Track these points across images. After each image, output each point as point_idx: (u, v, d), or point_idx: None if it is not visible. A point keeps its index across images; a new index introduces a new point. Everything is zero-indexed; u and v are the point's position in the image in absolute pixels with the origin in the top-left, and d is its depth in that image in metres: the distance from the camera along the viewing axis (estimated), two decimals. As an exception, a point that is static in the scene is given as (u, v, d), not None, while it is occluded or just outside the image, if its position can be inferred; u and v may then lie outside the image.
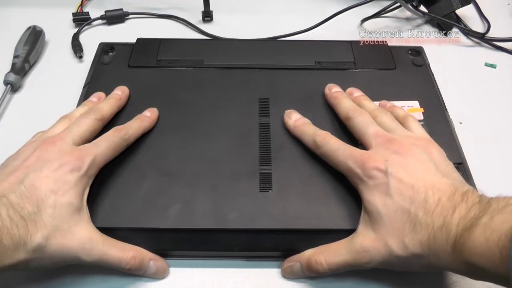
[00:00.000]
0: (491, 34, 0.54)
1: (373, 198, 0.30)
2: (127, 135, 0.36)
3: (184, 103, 0.41)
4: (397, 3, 0.55)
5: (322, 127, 0.38)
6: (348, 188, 0.34)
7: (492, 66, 0.51)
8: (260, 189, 0.35)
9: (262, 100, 0.41)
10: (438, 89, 0.44)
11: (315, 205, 0.34)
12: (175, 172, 0.35)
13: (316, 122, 0.39)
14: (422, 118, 0.40)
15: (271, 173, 0.36)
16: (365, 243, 0.29)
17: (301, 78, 0.44)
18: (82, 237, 0.29)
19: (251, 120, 0.40)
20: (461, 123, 0.44)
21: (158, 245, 0.33)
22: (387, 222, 0.29)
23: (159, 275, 0.33)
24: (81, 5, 0.58)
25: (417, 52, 0.48)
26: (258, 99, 0.41)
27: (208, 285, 0.33)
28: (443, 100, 0.42)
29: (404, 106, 0.41)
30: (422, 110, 0.41)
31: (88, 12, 0.56)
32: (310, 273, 0.31)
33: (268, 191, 0.34)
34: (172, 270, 0.33)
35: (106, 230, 0.32)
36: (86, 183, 0.32)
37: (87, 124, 0.35)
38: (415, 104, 0.41)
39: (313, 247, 0.32)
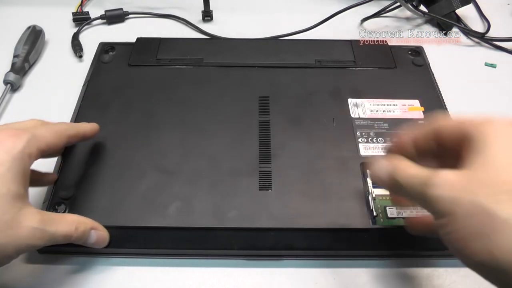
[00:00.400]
0: (491, 34, 0.54)
1: None
2: (70, 125, 0.34)
3: (183, 100, 0.41)
4: (397, 2, 0.55)
5: (323, 125, 0.38)
6: (348, 186, 0.34)
7: (492, 66, 0.51)
8: (259, 188, 0.34)
9: (262, 98, 0.41)
10: (438, 88, 0.44)
11: (314, 203, 0.34)
12: (175, 170, 0.35)
13: (316, 120, 0.39)
14: (422, 117, 0.40)
15: (270, 171, 0.36)
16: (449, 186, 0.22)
17: (301, 76, 0.44)
18: (30, 223, 0.27)
19: (251, 118, 0.40)
20: (461, 122, 0.44)
21: (158, 243, 0.33)
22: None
23: (99, 245, 0.32)
24: (81, 4, 0.58)
25: (417, 52, 0.48)
26: (258, 97, 0.41)
27: (208, 284, 0.33)
28: (443, 100, 0.42)
29: (405, 105, 0.41)
30: (422, 109, 0.41)
31: (88, 12, 0.56)
32: (388, 179, 0.26)
33: (267, 190, 0.34)
34: (172, 269, 0.33)
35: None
36: (25, 164, 0.28)
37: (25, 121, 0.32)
38: (416, 103, 0.41)
39: (312, 245, 0.32)
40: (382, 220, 0.33)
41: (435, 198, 0.22)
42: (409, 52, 0.48)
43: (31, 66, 0.50)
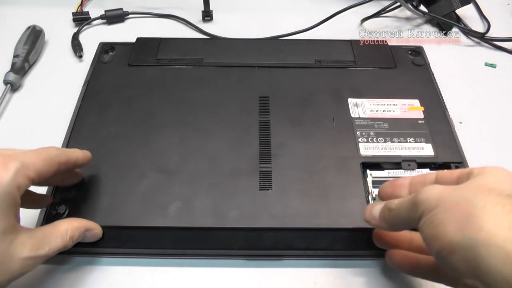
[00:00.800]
0: (491, 34, 0.54)
1: None
2: (61, 151, 0.31)
3: (183, 100, 0.41)
4: (397, 2, 0.55)
5: (323, 125, 0.38)
6: (347, 186, 0.34)
7: (492, 66, 0.51)
8: (260, 188, 0.34)
9: (262, 98, 0.41)
10: (438, 88, 0.44)
11: (314, 203, 0.34)
12: (175, 170, 0.35)
13: (316, 120, 0.39)
14: (422, 116, 0.40)
15: (271, 171, 0.36)
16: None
17: (301, 76, 0.44)
18: (21, 255, 0.26)
19: (251, 117, 0.40)
20: (461, 122, 0.44)
21: (158, 243, 0.33)
22: None
23: (93, 240, 0.32)
24: (81, 4, 0.58)
25: (417, 52, 0.48)
26: (258, 97, 0.41)
27: (208, 284, 0.33)
28: (443, 100, 0.42)
29: (405, 105, 0.41)
30: (422, 108, 0.41)
31: (88, 12, 0.56)
32: (381, 212, 0.29)
33: (268, 190, 0.34)
34: (172, 269, 0.33)
35: (105, 229, 0.32)
36: (14, 196, 0.26)
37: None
38: (416, 103, 0.41)
39: (312, 245, 0.32)
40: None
41: (424, 199, 0.25)
42: (409, 52, 0.48)
43: (31, 66, 0.50)
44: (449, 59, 0.52)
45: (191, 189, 0.34)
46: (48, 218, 0.33)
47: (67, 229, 0.29)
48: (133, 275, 0.33)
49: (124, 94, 0.42)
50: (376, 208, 0.29)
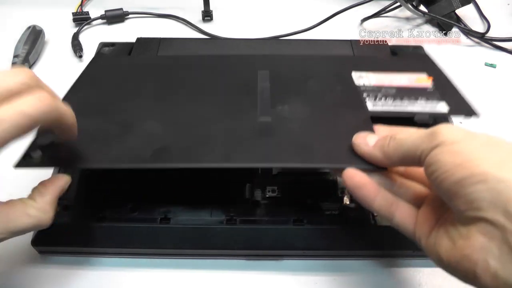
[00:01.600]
0: (491, 34, 0.54)
1: None
2: (58, 111, 0.24)
3: (183, 78, 0.39)
4: (397, 2, 0.55)
5: (326, 88, 0.37)
6: (349, 132, 0.31)
7: (492, 66, 0.51)
8: (260, 135, 0.32)
9: (262, 72, 0.39)
10: None
11: (316, 147, 0.31)
12: (167, 124, 0.33)
13: (319, 87, 0.38)
14: (431, 86, 0.38)
15: (271, 122, 0.34)
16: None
17: (301, 66, 0.42)
18: None
19: (250, 86, 0.38)
20: (461, 122, 0.44)
21: (157, 243, 0.32)
22: None
23: None
24: (81, 4, 0.58)
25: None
26: (257, 72, 0.39)
27: (208, 285, 0.33)
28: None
29: (412, 77, 0.39)
30: (431, 78, 0.39)
31: (88, 12, 0.56)
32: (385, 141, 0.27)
33: (268, 137, 0.32)
34: (172, 270, 0.33)
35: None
36: None
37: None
38: (423, 75, 0.39)
39: (313, 245, 0.32)
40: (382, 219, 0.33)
41: (447, 132, 0.24)
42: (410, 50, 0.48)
43: (31, 66, 0.50)
44: (449, 59, 0.52)
45: (183, 136, 0.32)
46: (19, 164, 0.29)
47: (35, 215, 0.26)
48: (132, 276, 0.33)
49: (120, 77, 0.40)
50: (372, 137, 0.28)
